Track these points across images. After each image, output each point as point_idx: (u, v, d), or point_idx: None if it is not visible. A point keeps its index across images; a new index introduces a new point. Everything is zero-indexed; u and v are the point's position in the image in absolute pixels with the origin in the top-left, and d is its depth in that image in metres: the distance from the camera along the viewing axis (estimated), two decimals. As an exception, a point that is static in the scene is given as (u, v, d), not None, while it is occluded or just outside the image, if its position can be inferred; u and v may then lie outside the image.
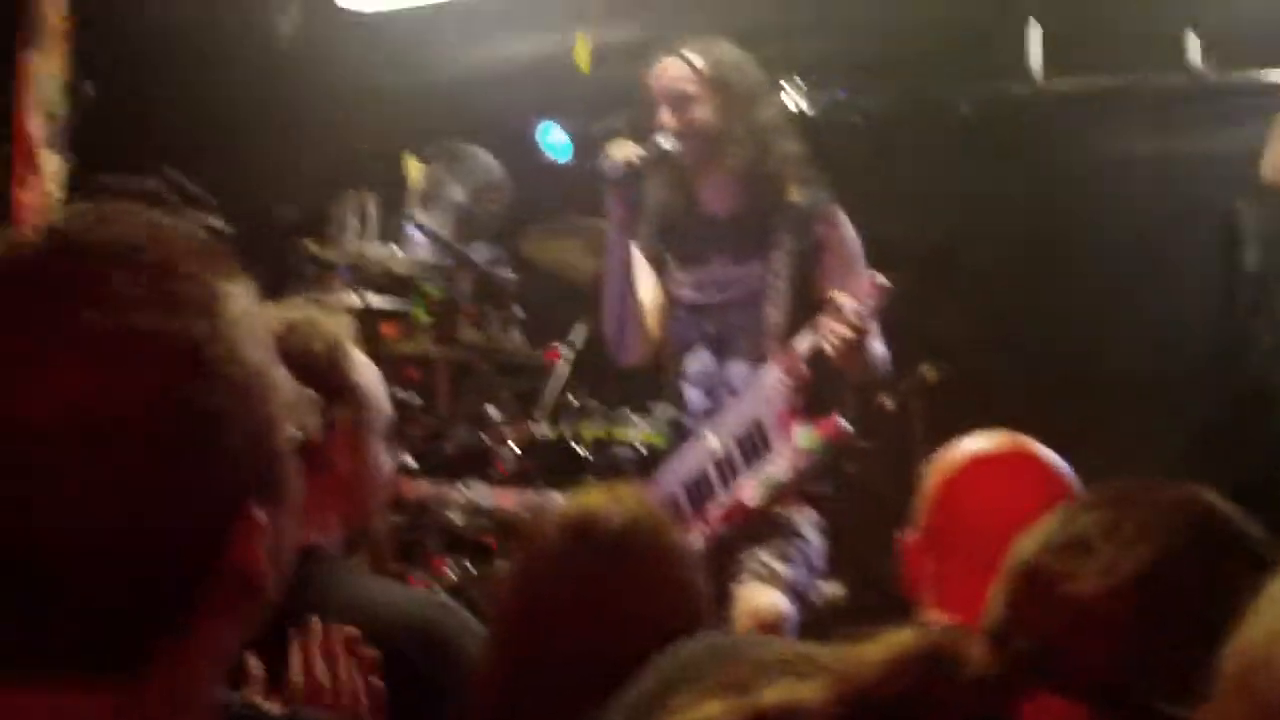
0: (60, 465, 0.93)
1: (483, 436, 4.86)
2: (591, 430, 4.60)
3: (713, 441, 3.73)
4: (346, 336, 2.34)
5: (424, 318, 5.74)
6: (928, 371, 5.00)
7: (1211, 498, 1.46)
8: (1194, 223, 5.46)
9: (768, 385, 3.62)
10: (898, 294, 3.42)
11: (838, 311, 3.42)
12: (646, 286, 3.91)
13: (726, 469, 3.69)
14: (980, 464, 2.08)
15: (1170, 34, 5.49)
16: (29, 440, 0.93)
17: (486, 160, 7.27)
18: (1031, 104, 5.77)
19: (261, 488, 1.03)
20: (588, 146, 7.42)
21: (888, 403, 4.96)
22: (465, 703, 2.12)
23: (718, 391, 3.82)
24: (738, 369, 3.78)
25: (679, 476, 3.79)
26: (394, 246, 5.88)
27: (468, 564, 4.61)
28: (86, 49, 5.95)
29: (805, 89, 5.68)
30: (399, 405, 2.47)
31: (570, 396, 4.92)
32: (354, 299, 5.34)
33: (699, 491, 3.74)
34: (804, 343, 3.54)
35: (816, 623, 3.68)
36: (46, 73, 5.70)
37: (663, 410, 4.57)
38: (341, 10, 7.48)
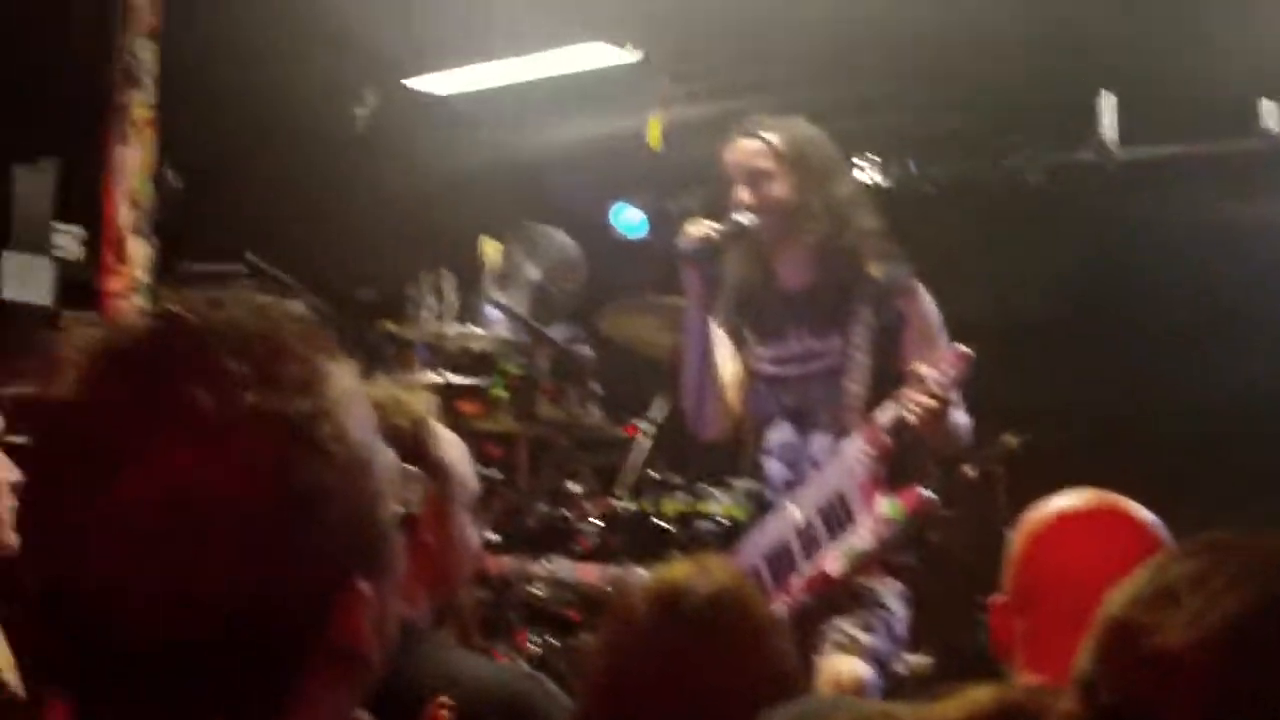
0: (162, 545, 0.94)
1: (564, 511, 4.88)
2: (673, 504, 4.62)
3: (795, 513, 3.73)
4: (430, 413, 2.37)
5: (503, 394, 5.79)
6: (1009, 440, 4.99)
7: None
8: (1268, 287, 5.42)
9: (850, 456, 3.62)
10: (977, 363, 3.42)
11: (920, 382, 3.42)
12: (725, 361, 3.94)
13: (809, 540, 3.68)
14: (1068, 521, 2.04)
15: (1242, 100, 5.48)
16: (131, 521, 0.94)
17: (561, 239, 7.35)
18: (1103, 172, 5.76)
19: (366, 561, 1.04)
20: (662, 224, 7.51)
21: (970, 472, 4.95)
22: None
23: (799, 464, 3.82)
24: (819, 441, 3.79)
25: (761, 548, 3.79)
26: (472, 326, 5.94)
27: (550, 638, 4.62)
28: (172, 139, 6.09)
29: (877, 162, 5.71)
30: (480, 481, 2.50)
31: (650, 471, 4.94)
32: (433, 377, 5.39)
33: (781, 563, 3.73)
34: (886, 414, 3.54)
35: (901, 693, 3.65)
36: (134, 162, 5.84)
37: (743, 483, 4.58)
38: (416, 93, 7.61)
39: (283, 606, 0.97)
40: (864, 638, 3.55)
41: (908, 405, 3.45)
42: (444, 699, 1.95)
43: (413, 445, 2.28)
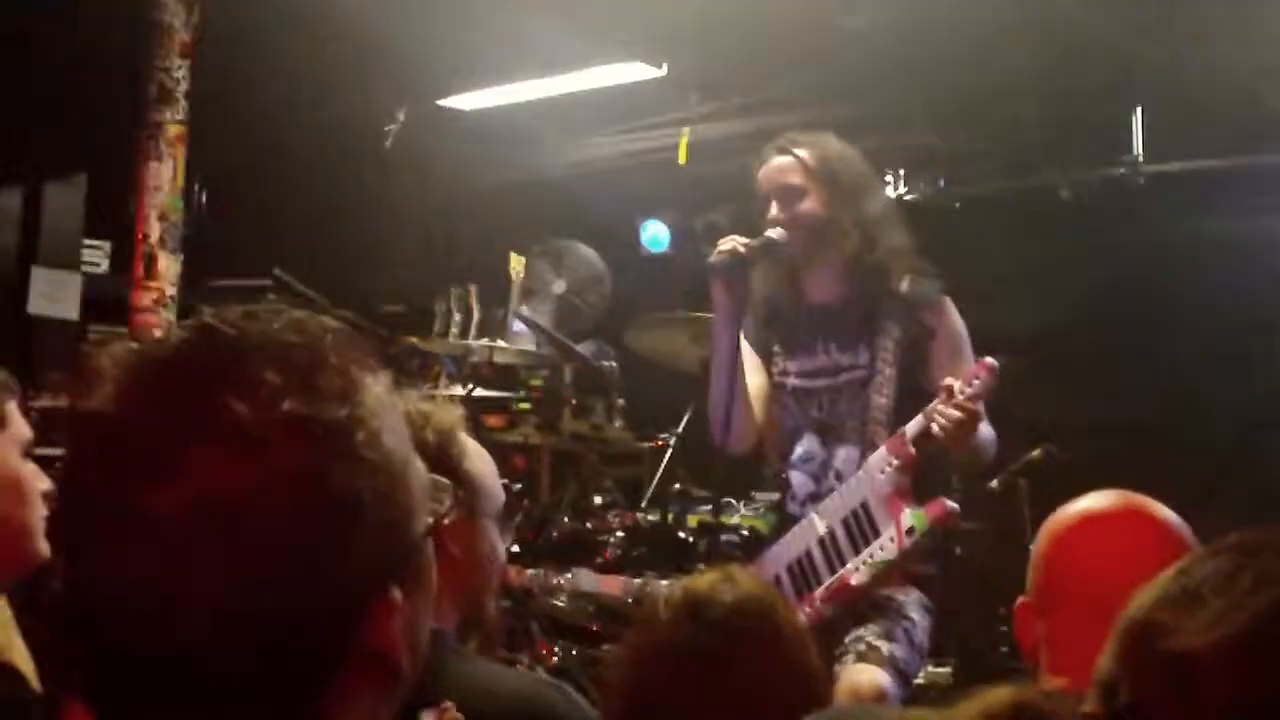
0: (197, 552, 0.95)
1: (587, 523, 4.90)
2: (696, 516, 4.63)
3: (818, 524, 3.74)
4: (458, 426, 2.38)
5: (527, 407, 5.82)
6: (1034, 453, 4.99)
7: None
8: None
9: (875, 468, 3.63)
10: (1004, 376, 3.43)
11: (949, 394, 3.43)
12: (752, 375, 3.95)
13: (832, 551, 3.69)
14: (1091, 521, 2.01)
15: (1273, 114, 5.48)
16: (165, 529, 0.95)
17: (587, 254, 7.39)
18: (1133, 186, 5.77)
19: (399, 570, 1.04)
20: (687, 240, 7.54)
21: (994, 484, 4.95)
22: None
23: (823, 477, 3.83)
24: (844, 454, 3.79)
25: (784, 559, 3.80)
26: (498, 339, 5.97)
27: (572, 649, 4.63)
28: (201, 155, 6.14)
29: (905, 177, 5.73)
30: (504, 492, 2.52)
31: (674, 483, 4.96)
32: (458, 390, 5.42)
33: (803, 573, 3.74)
34: (913, 426, 3.55)
35: (922, 702, 3.66)
36: (165, 178, 5.89)
37: (765, 496, 4.59)
38: (444, 110, 7.65)
39: (316, 614, 0.98)
40: (884, 646, 3.55)
41: (935, 417, 3.46)
42: (448, 704, 1.96)
43: (440, 458, 2.29)
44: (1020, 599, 2.04)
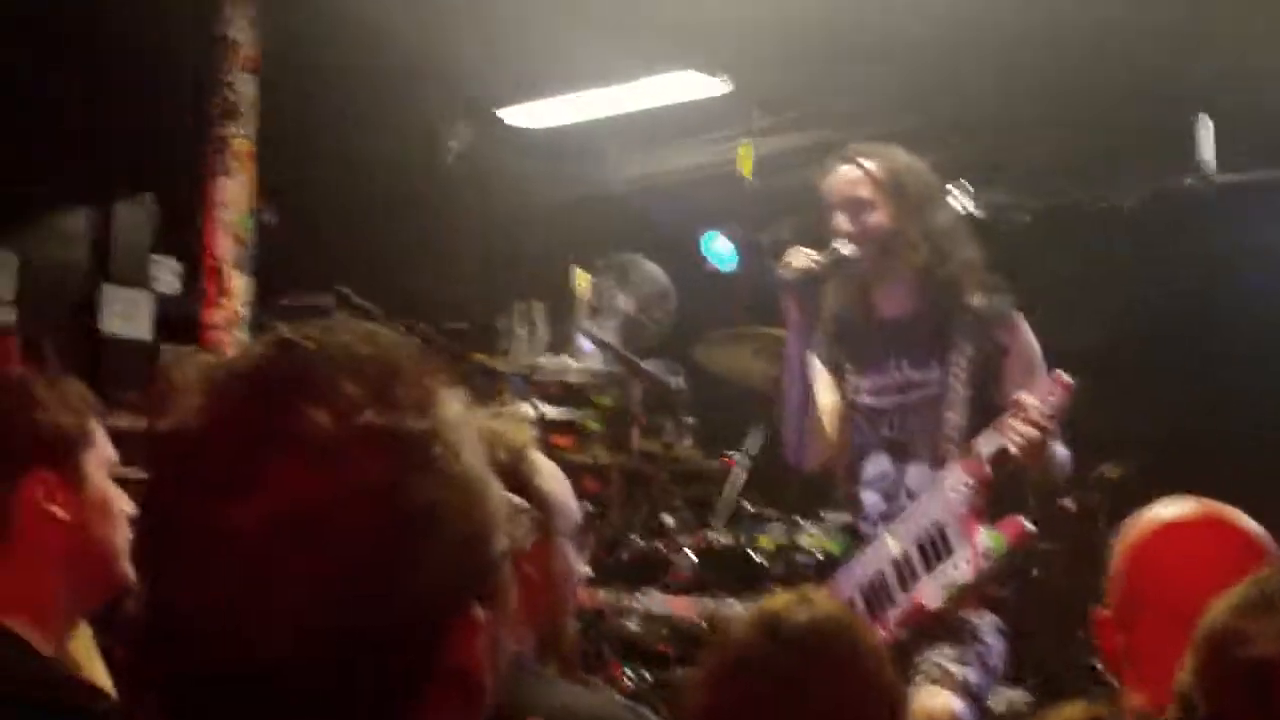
0: (280, 567, 0.94)
1: (658, 544, 4.88)
2: (768, 537, 4.60)
3: (892, 545, 3.69)
4: (530, 445, 2.37)
5: (596, 427, 5.81)
6: (1109, 470, 4.93)
7: None
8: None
9: (949, 487, 3.59)
10: (1076, 392, 3.38)
11: (1023, 410, 3.39)
12: (824, 392, 3.91)
13: (906, 572, 3.65)
14: (1172, 530, 1.98)
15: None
16: (244, 541, 0.94)
17: (652, 270, 7.37)
18: (1201, 197, 5.70)
19: (480, 587, 1.03)
20: (752, 255, 7.52)
21: (1070, 504, 4.89)
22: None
23: (896, 496, 3.79)
24: (916, 473, 3.75)
25: (857, 580, 3.76)
26: (564, 357, 5.97)
27: (644, 671, 4.62)
28: (268, 172, 6.19)
29: (971, 191, 5.68)
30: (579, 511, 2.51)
31: (745, 503, 4.93)
32: (527, 409, 5.42)
33: (877, 595, 3.70)
34: (988, 443, 3.51)
35: (996, 726, 3.61)
36: (234, 195, 5.93)
37: (836, 516, 4.55)
38: (508, 127, 7.67)
39: (397, 630, 0.97)
40: (957, 670, 3.51)
41: (1010, 434, 3.41)
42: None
43: (512, 476, 2.28)
44: (1100, 610, 2.01)
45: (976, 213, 5.50)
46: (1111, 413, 4.78)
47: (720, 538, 4.77)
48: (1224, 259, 6.00)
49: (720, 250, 7.74)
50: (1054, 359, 3.73)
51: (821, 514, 4.97)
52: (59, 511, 2.07)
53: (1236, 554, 1.89)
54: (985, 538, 3.49)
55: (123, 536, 2.14)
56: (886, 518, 3.77)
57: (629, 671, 4.58)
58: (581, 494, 5.31)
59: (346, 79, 6.72)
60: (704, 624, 4.28)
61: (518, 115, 7.61)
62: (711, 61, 6.69)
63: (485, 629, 1.03)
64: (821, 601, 2.25)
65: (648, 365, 6.01)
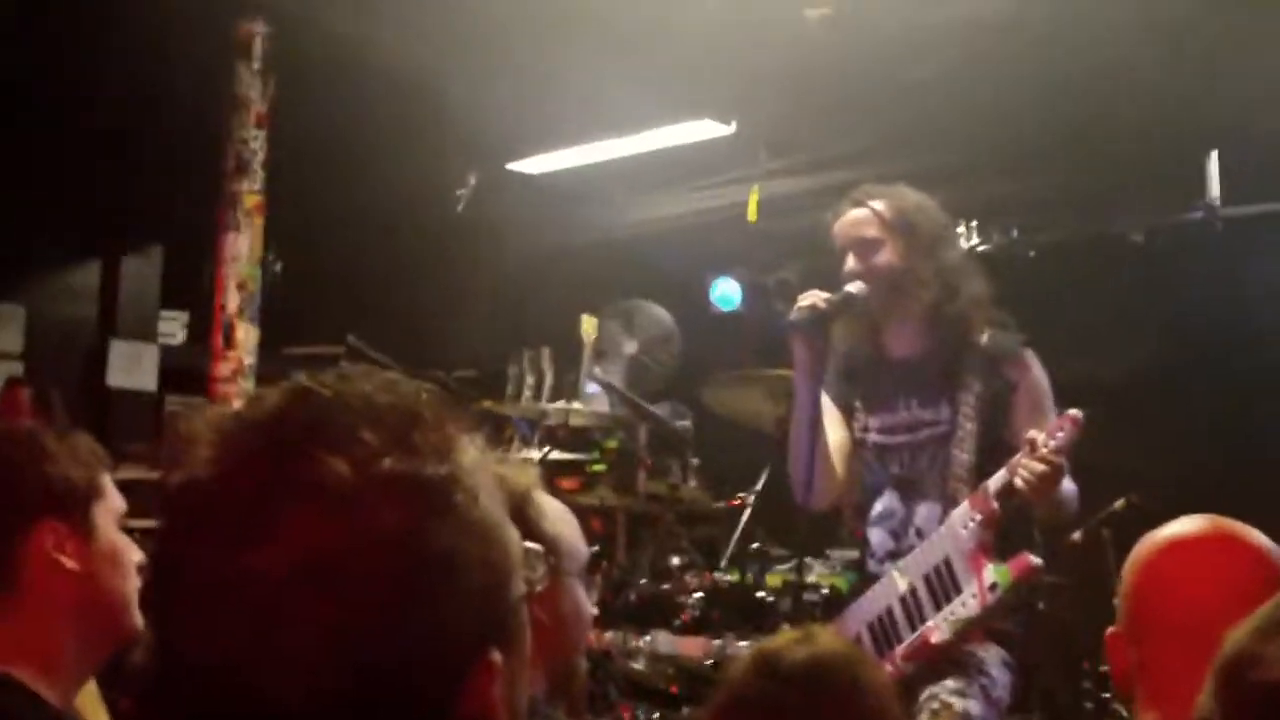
0: (298, 615, 0.94)
1: (665, 585, 4.88)
2: (775, 575, 4.60)
3: (900, 581, 3.70)
4: (534, 486, 2.38)
5: (602, 469, 5.82)
6: (1117, 503, 4.92)
7: None
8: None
9: (957, 523, 3.59)
10: (1085, 428, 3.39)
11: (1033, 447, 3.39)
12: (833, 430, 3.92)
13: (913, 608, 3.65)
14: (1181, 546, 1.94)
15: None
16: (262, 588, 0.94)
17: (658, 313, 7.40)
18: (1208, 230, 5.72)
19: (497, 632, 1.03)
20: (757, 297, 7.55)
21: (1077, 537, 4.88)
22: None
23: (904, 534, 3.79)
24: (925, 511, 3.75)
25: (865, 617, 3.76)
26: (571, 401, 5.99)
27: (652, 712, 4.61)
28: (275, 223, 6.23)
29: (978, 228, 5.70)
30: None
31: (753, 542, 4.93)
32: (533, 453, 5.43)
33: (885, 631, 3.70)
34: (995, 481, 3.52)
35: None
36: (243, 248, 5.98)
37: (841, 554, 4.55)
38: (515, 175, 7.72)
39: (415, 676, 0.97)
40: (958, 703, 3.49)
41: (1019, 471, 3.41)
42: None
43: (519, 520, 2.28)
44: (1111, 629, 1.99)
45: (983, 250, 5.52)
46: (1119, 446, 4.78)
47: (727, 577, 4.77)
48: (1231, 292, 6.01)
49: (726, 293, 7.78)
50: (1061, 393, 3.74)
51: (828, 552, 4.98)
52: (69, 562, 2.08)
53: (1247, 569, 1.87)
54: (992, 573, 3.49)
55: (132, 587, 2.16)
56: (894, 556, 3.77)
57: (639, 714, 4.57)
58: (588, 536, 5.33)
59: (355, 129, 6.77)
60: (712, 664, 4.27)
61: (525, 163, 7.66)
62: (717, 106, 6.73)
63: (503, 674, 1.02)
64: (824, 639, 2.25)
65: (655, 408, 6.02)
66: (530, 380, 6.78)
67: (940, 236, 3.89)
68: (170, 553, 1.01)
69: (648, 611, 4.73)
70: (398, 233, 8.01)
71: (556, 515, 2.40)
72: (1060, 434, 3.40)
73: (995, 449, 3.60)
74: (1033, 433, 3.43)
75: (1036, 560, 3.51)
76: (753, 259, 7.61)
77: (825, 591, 4.33)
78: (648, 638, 4.57)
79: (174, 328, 8.49)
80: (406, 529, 0.97)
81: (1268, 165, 5.80)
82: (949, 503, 3.66)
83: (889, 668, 3.56)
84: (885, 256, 3.81)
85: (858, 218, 3.86)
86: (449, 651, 0.99)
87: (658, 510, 5.67)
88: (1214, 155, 5.80)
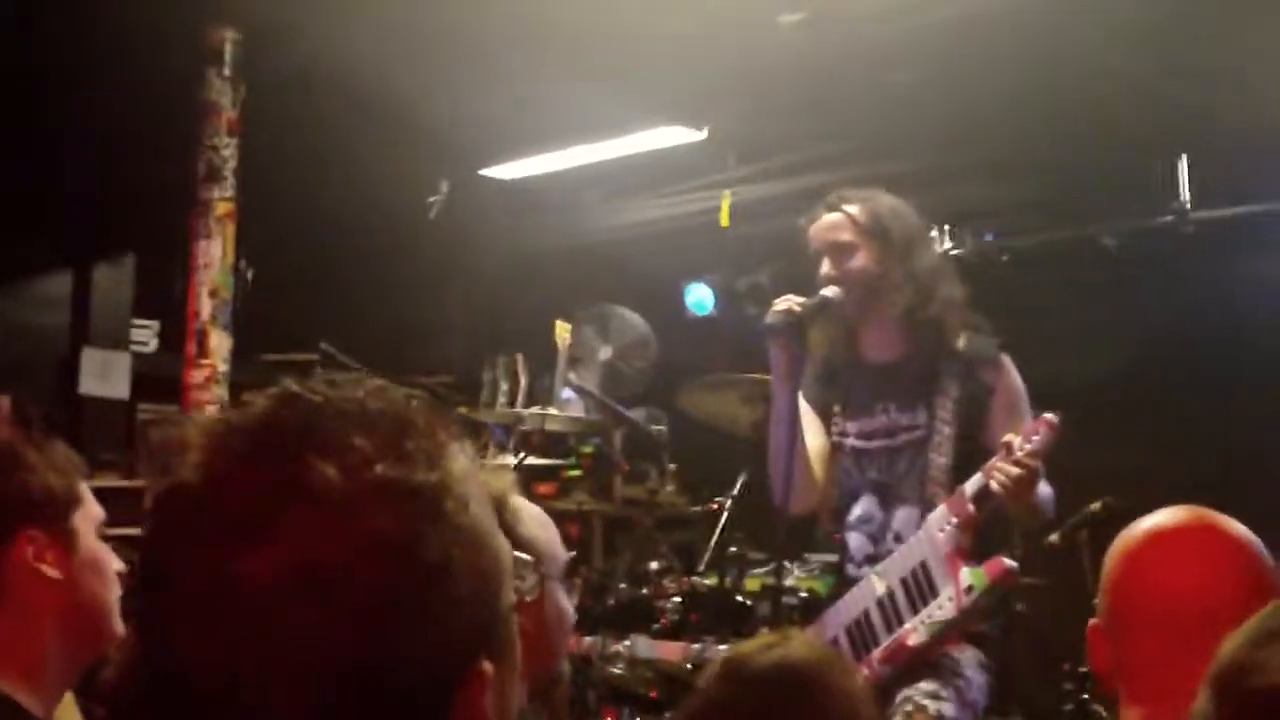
0: (287, 621, 0.93)
1: (643, 589, 4.88)
2: (753, 579, 4.60)
3: (877, 585, 3.71)
4: (510, 491, 2.37)
5: (578, 474, 5.82)
6: (1094, 505, 4.95)
7: None
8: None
9: (934, 527, 3.61)
10: (1062, 431, 3.41)
11: (1009, 451, 3.41)
12: (811, 435, 3.94)
13: (890, 611, 3.66)
14: (1160, 537, 1.92)
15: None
16: (254, 592, 0.93)
17: (632, 318, 7.41)
18: (1179, 234, 5.76)
19: (488, 641, 1.02)
20: (731, 302, 7.56)
21: (1054, 539, 4.90)
22: None
23: (881, 538, 3.80)
24: (903, 515, 3.76)
25: (842, 620, 3.77)
26: (546, 407, 5.99)
27: (631, 716, 4.61)
28: (248, 231, 6.21)
29: (952, 232, 5.73)
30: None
31: (732, 547, 4.94)
32: (509, 459, 5.43)
33: (862, 635, 3.71)
34: (972, 484, 3.53)
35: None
36: (215, 256, 5.96)
37: (819, 557, 4.56)
38: (484, 179, 7.71)
39: (408, 685, 0.96)
40: (931, 705, 3.50)
41: (995, 474, 3.43)
42: None
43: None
44: (1091, 621, 1.97)
45: (957, 254, 5.55)
46: (1095, 448, 4.80)
47: (706, 581, 4.78)
48: (1204, 295, 6.05)
49: (700, 298, 7.79)
50: (1036, 397, 3.75)
51: (805, 556, 4.99)
52: (50, 570, 2.08)
53: (1228, 558, 1.87)
54: (968, 576, 3.51)
55: (114, 595, 2.15)
56: (873, 560, 3.78)
57: (622, 716, 4.57)
58: (565, 541, 5.32)
59: (327, 136, 6.75)
60: (691, 668, 4.27)
61: (497, 169, 7.66)
62: (689, 112, 6.75)
63: (494, 684, 1.01)
64: (795, 644, 2.25)
65: (630, 413, 6.03)
66: (505, 386, 6.78)
67: (915, 240, 3.90)
68: (158, 559, 0.99)
69: (626, 616, 4.73)
70: (370, 239, 7.99)
71: (533, 519, 2.40)
72: (1036, 437, 3.42)
73: (973, 453, 3.61)
74: (1009, 436, 3.45)
75: (1011, 563, 3.53)
76: (726, 264, 7.62)
77: (804, 595, 4.34)
78: (627, 642, 4.57)
79: (146, 335, 8.45)
80: (398, 535, 0.96)
81: (1238, 169, 5.84)
82: (927, 507, 3.67)
83: (866, 671, 3.58)
84: (860, 261, 3.82)
85: (832, 222, 3.87)
86: (440, 660, 0.97)
87: (635, 515, 5.68)
88: (1184, 159, 5.84)
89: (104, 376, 7.93)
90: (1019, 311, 4.79)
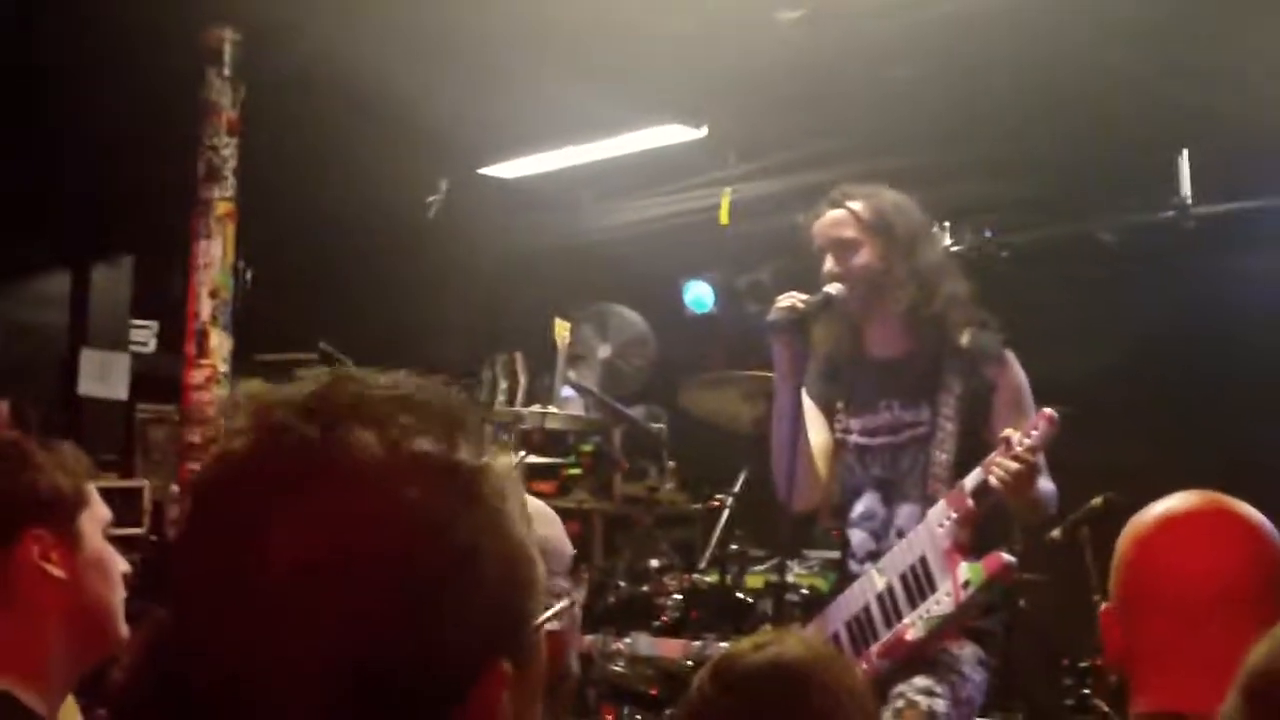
0: (310, 600, 0.92)
1: (644, 587, 4.89)
2: (755, 576, 4.61)
3: (877, 580, 3.71)
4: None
5: (578, 473, 5.83)
6: (1096, 501, 4.95)
7: None
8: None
9: (934, 522, 3.61)
10: (1062, 426, 3.41)
11: (1007, 446, 3.41)
12: (815, 431, 3.93)
13: (889, 606, 3.66)
14: (1173, 521, 1.92)
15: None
16: (281, 568, 0.93)
17: (631, 317, 7.41)
18: (1179, 229, 5.76)
19: (510, 645, 1.00)
20: (730, 299, 7.57)
21: (1056, 534, 4.91)
22: None
23: (884, 535, 3.80)
24: (906, 512, 3.75)
25: (843, 616, 3.77)
26: (546, 405, 5.99)
27: (632, 713, 4.61)
28: (247, 230, 6.21)
29: (951, 228, 5.73)
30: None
31: (732, 544, 4.94)
32: (511, 457, 5.43)
33: (861, 630, 3.71)
34: (971, 479, 3.53)
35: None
36: (215, 256, 5.96)
37: (819, 554, 4.56)
38: (488, 180, 7.71)
39: (423, 673, 0.95)
40: (924, 702, 3.50)
41: (993, 469, 3.43)
42: None
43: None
44: (1104, 605, 1.97)
45: (957, 250, 5.55)
46: (1096, 444, 4.81)
47: (707, 578, 4.78)
48: (1204, 290, 6.05)
49: (699, 296, 7.80)
50: (1036, 393, 3.75)
51: (805, 552, 4.99)
52: (55, 570, 2.08)
53: (1238, 543, 1.86)
54: (966, 571, 3.51)
55: (119, 596, 2.16)
56: (875, 556, 3.77)
57: (623, 714, 4.57)
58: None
59: (326, 136, 6.75)
60: (692, 665, 4.28)
61: (496, 168, 7.66)
62: (688, 110, 6.75)
63: (510, 681, 0.99)
64: (790, 642, 2.24)
65: (630, 411, 6.03)
66: (504, 385, 6.78)
67: (919, 236, 3.89)
68: (196, 529, 1.00)
69: (627, 614, 4.74)
70: (369, 238, 7.99)
71: (540, 516, 2.40)
72: (1035, 432, 3.41)
73: (976, 449, 3.60)
74: (1008, 431, 3.45)
75: (1009, 558, 3.52)
76: (726, 262, 7.62)
77: (805, 592, 4.34)
78: (628, 640, 4.57)
79: (145, 336, 8.45)
80: (430, 510, 0.96)
81: (1237, 164, 5.85)
82: (929, 504, 3.66)
83: (865, 666, 3.57)
84: (863, 257, 3.81)
85: (836, 218, 3.86)
86: (459, 649, 0.96)
87: (635, 513, 5.69)
88: (1185, 154, 5.85)
89: (103, 377, 7.93)
90: (1018, 308, 4.78)
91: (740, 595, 4.59)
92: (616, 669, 4.61)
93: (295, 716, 0.93)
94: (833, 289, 3.80)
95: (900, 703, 3.51)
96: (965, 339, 3.74)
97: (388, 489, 0.95)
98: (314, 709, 0.93)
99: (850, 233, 3.83)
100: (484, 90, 6.37)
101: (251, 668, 0.93)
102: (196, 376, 5.94)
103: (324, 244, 7.90)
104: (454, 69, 6.14)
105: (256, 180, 6.21)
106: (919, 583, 3.61)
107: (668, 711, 4.42)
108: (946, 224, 6.02)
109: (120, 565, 2.17)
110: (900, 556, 3.67)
